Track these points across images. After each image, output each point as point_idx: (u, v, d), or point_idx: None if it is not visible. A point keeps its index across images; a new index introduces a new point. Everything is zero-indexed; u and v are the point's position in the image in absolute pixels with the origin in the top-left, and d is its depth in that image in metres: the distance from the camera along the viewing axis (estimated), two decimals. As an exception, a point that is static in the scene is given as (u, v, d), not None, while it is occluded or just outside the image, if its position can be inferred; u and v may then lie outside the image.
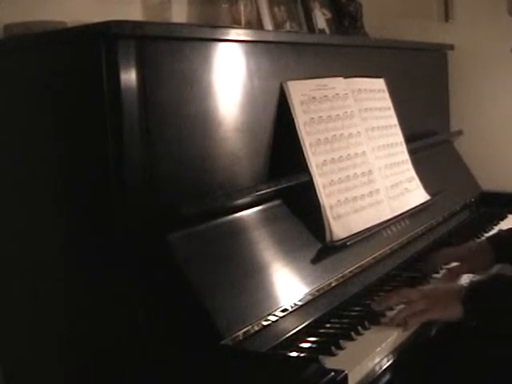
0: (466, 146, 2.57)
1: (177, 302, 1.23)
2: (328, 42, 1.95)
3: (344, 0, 2.35)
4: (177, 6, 1.86)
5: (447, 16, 2.60)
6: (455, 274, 1.71)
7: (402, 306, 1.46)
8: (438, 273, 1.75)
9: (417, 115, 2.29)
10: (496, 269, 1.77)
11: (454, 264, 1.76)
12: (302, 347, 1.32)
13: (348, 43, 2.00)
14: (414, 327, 1.43)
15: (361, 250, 1.66)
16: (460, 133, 2.59)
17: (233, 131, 1.45)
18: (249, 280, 1.33)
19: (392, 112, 2.01)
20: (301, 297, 1.42)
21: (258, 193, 1.46)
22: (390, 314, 1.46)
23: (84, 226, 1.31)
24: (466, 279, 1.70)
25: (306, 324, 1.41)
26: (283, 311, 1.36)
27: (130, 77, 1.22)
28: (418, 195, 1.99)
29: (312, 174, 1.59)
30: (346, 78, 1.81)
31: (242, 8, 1.91)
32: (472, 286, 1.48)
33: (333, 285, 1.53)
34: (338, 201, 1.64)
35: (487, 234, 2.15)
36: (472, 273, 1.72)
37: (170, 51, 1.31)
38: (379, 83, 1.99)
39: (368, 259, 1.69)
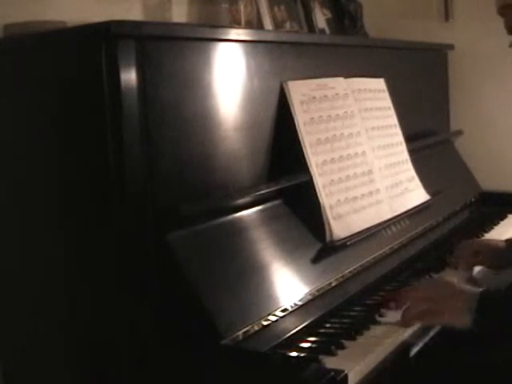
0: (466, 146, 2.57)
1: (177, 302, 1.23)
2: (328, 41, 1.95)
3: (344, 0, 2.35)
4: (177, 6, 1.86)
5: (447, 16, 2.60)
6: (470, 265, 1.78)
7: (406, 306, 1.45)
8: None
9: (417, 115, 2.29)
10: (476, 272, 1.80)
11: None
12: (302, 347, 1.32)
13: (348, 43, 1.99)
14: (414, 327, 1.43)
15: (361, 250, 1.66)
16: (460, 133, 2.59)
17: (233, 131, 1.45)
18: (249, 280, 1.33)
19: (392, 112, 2.01)
20: (301, 297, 1.42)
21: (257, 193, 1.46)
22: (390, 313, 1.46)
23: (83, 225, 1.31)
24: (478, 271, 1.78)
25: (305, 324, 1.41)
26: (283, 311, 1.36)
27: (130, 77, 1.22)
28: (418, 195, 1.99)
29: (312, 173, 1.59)
30: (346, 77, 1.81)
31: (242, 8, 1.91)
32: (485, 297, 1.38)
33: (333, 285, 1.53)
34: (338, 201, 1.64)
35: (487, 234, 2.15)
36: (482, 265, 1.80)
37: (170, 51, 1.31)
38: (379, 83, 1.99)
39: (368, 259, 1.69)
